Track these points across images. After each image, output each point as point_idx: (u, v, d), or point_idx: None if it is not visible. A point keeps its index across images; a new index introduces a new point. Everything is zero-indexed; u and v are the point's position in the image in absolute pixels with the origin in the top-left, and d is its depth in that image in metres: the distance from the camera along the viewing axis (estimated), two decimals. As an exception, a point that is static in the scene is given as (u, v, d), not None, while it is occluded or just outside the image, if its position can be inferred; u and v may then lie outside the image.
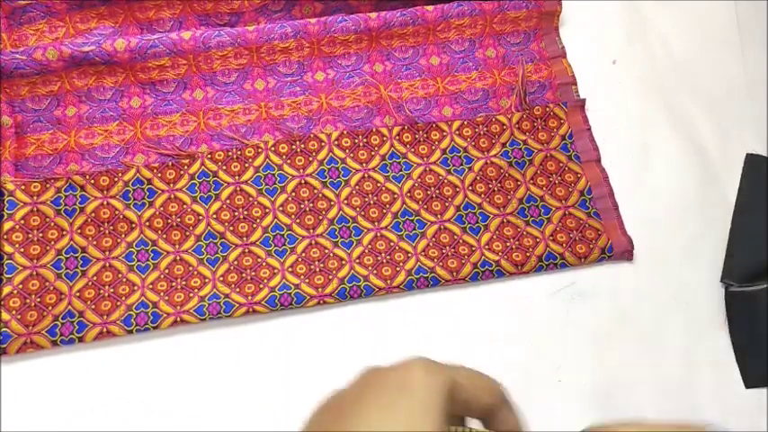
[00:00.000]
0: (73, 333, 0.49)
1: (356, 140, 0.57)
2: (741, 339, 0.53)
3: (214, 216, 0.53)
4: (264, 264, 0.52)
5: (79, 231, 0.52)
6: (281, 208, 0.54)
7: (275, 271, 0.52)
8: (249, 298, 0.50)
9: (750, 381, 0.53)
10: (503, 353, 0.52)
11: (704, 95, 0.63)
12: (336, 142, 0.57)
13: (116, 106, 0.56)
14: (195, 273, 0.52)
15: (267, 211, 0.54)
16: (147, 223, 0.53)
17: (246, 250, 0.53)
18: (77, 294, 0.50)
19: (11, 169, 0.52)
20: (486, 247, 0.54)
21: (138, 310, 0.49)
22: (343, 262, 0.53)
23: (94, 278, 0.50)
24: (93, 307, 0.49)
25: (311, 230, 0.54)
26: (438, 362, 0.31)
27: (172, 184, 0.54)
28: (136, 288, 0.50)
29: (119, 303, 0.50)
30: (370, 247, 0.53)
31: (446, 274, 0.52)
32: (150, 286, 0.51)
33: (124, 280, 0.51)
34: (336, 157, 0.56)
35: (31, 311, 0.49)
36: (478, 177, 0.57)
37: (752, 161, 0.60)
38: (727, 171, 0.59)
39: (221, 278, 0.51)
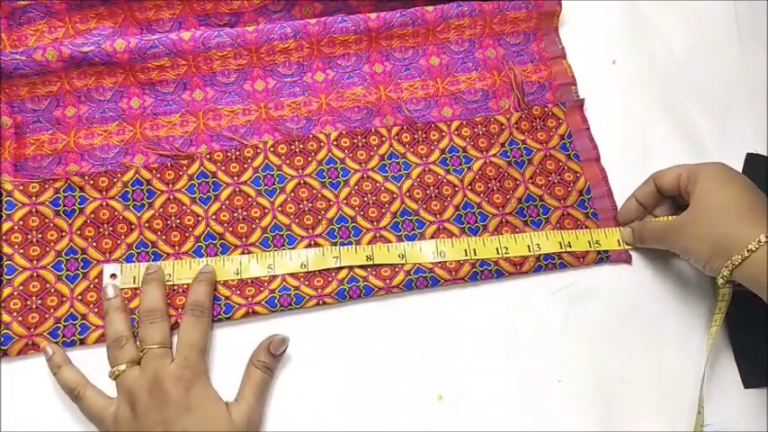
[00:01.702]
0: (75, 335, 0.49)
1: (355, 141, 0.57)
2: (740, 339, 0.53)
3: (213, 217, 0.53)
4: (264, 264, 0.52)
5: (79, 232, 0.52)
6: (280, 208, 0.54)
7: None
8: (249, 299, 0.50)
9: (749, 381, 0.52)
10: (503, 353, 0.52)
11: (704, 95, 0.63)
12: (335, 142, 0.57)
13: (115, 107, 0.56)
14: (195, 274, 0.52)
15: (266, 211, 0.54)
16: (147, 224, 0.53)
17: (246, 251, 0.53)
18: (79, 297, 0.50)
19: (10, 170, 0.52)
20: (486, 247, 0.54)
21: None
22: (343, 262, 0.53)
23: (96, 280, 0.50)
24: (96, 310, 0.49)
25: (310, 230, 0.54)
26: None
27: (171, 185, 0.54)
28: (138, 291, 0.50)
29: None
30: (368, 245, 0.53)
31: (445, 273, 0.52)
32: None
33: None
34: (335, 157, 0.56)
35: (32, 313, 0.49)
36: (477, 177, 0.57)
37: (752, 161, 0.60)
38: (727, 171, 0.59)
39: (221, 280, 0.51)
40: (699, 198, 0.49)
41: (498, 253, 0.54)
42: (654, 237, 0.53)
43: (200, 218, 0.53)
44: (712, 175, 0.49)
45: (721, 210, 0.47)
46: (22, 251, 0.50)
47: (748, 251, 0.45)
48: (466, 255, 0.53)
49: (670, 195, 0.54)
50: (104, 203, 0.53)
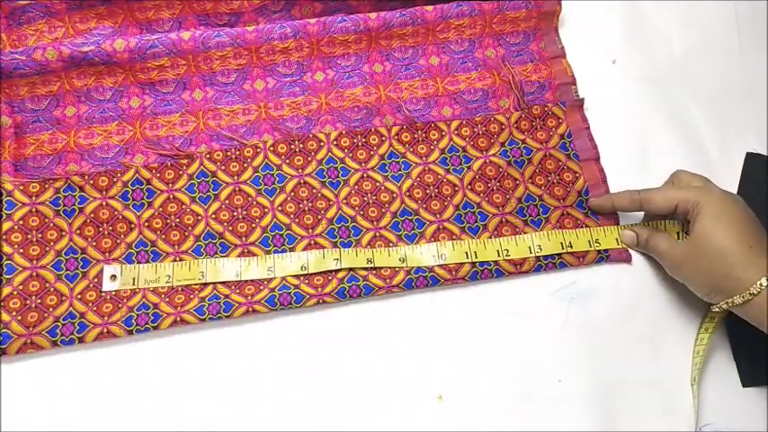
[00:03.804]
0: (73, 333, 0.48)
1: (355, 140, 0.57)
2: (739, 338, 0.53)
3: (213, 216, 0.53)
4: (264, 264, 0.52)
5: (78, 232, 0.52)
6: (279, 208, 0.54)
7: (274, 271, 0.52)
8: (249, 298, 0.50)
9: (747, 380, 0.52)
10: (503, 353, 0.52)
11: (704, 95, 0.63)
12: (335, 142, 0.57)
13: (115, 106, 0.56)
14: (194, 273, 0.52)
15: (266, 210, 0.54)
16: (147, 224, 0.53)
17: (246, 250, 0.53)
18: (79, 297, 0.50)
19: (10, 169, 0.52)
20: (486, 246, 0.54)
21: (139, 312, 0.49)
22: (343, 262, 0.53)
23: (95, 280, 0.50)
24: (95, 309, 0.49)
25: (310, 230, 0.54)
26: None
27: (171, 185, 0.54)
28: (137, 290, 0.50)
29: (120, 305, 0.50)
30: (369, 246, 0.53)
31: (445, 273, 0.52)
32: (151, 288, 0.51)
33: None
34: (335, 156, 0.56)
35: (31, 313, 0.49)
36: (477, 176, 0.57)
37: (752, 160, 0.60)
38: (727, 171, 0.59)
39: (220, 280, 0.51)
40: (700, 234, 0.49)
41: (499, 255, 0.54)
42: (656, 253, 0.53)
43: (199, 217, 0.53)
44: (713, 210, 0.49)
45: (721, 249, 0.47)
46: (21, 251, 0.50)
47: (750, 294, 0.46)
48: (467, 257, 0.53)
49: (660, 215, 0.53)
50: (104, 203, 0.53)
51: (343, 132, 0.57)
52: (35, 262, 0.50)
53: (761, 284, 0.45)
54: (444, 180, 0.56)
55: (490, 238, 0.54)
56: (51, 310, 0.49)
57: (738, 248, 0.47)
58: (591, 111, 0.61)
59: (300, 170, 0.56)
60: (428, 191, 0.56)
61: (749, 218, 0.49)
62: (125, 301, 0.50)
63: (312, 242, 0.53)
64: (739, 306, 0.47)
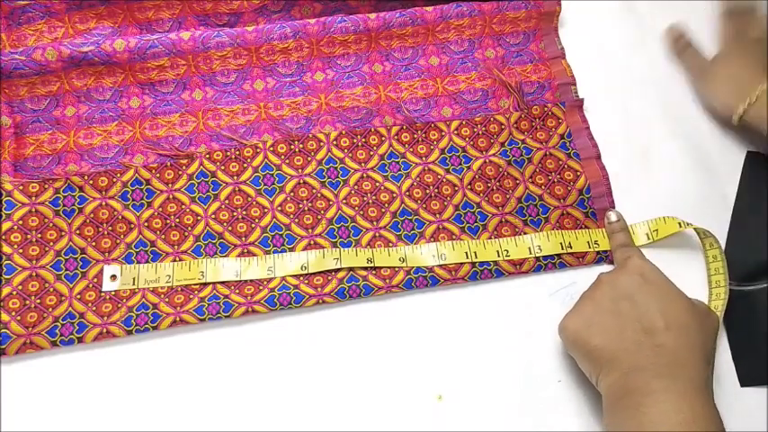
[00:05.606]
0: (73, 334, 0.49)
1: (355, 140, 0.57)
2: (739, 338, 0.53)
3: (213, 216, 0.53)
4: (263, 264, 0.52)
5: (78, 232, 0.52)
6: (279, 208, 0.54)
7: (274, 271, 0.52)
8: (248, 298, 0.50)
9: (746, 380, 0.52)
10: (503, 353, 0.52)
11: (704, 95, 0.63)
12: (335, 142, 0.57)
13: (115, 106, 0.56)
14: (194, 273, 0.52)
15: (266, 211, 0.54)
16: (146, 224, 0.53)
17: (245, 250, 0.53)
18: (78, 297, 0.50)
19: (10, 170, 0.52)
20: (485, 246, 0.54)
21: (139, 312, 0.49)
22: (342, 262, 0.53)
23: (95, 280, 0.50)
24: (95, 309, 0.49)
25: (310, 230, 0.54)
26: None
27: (170, 185, 0.54)
28: (136, 290, 0.50)
29: (119, 305, 0.50)
30: (369, 246, 0.53)
31: (445, 273, 0.52)
32: (151, 288, 0.51)
33: None
34: (335, 156, 0.56)
35: (30, 313, 0.49)
36: (477, 176, 0.57)
37: (752, 159, 0.60)
38: (726, 171, 0.59)
39: (220, 280, 0.51)
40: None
41: (499, 255, 0.54)
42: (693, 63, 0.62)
43: (199, 217, 0.53)
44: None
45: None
46: (21, 251, 0.50)
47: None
48: (467, 258, 0.53)
49: None
50: (104, 203, 0.53)
51: (343, 132, 0.57)
52: (35, 262, 0.50)
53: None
54: (444, 180, 0.56)
55: (490, 238, 0.54)
56: (51, 310, 0.49)
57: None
58: (591, 111, 0.60)
59: (300, 170, 0.56)
60: (428, 191, 0.56)
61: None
62: (124, 301, 0.50)
63: (312, 242, 0.53)
64: (752, 105, 0.54)
